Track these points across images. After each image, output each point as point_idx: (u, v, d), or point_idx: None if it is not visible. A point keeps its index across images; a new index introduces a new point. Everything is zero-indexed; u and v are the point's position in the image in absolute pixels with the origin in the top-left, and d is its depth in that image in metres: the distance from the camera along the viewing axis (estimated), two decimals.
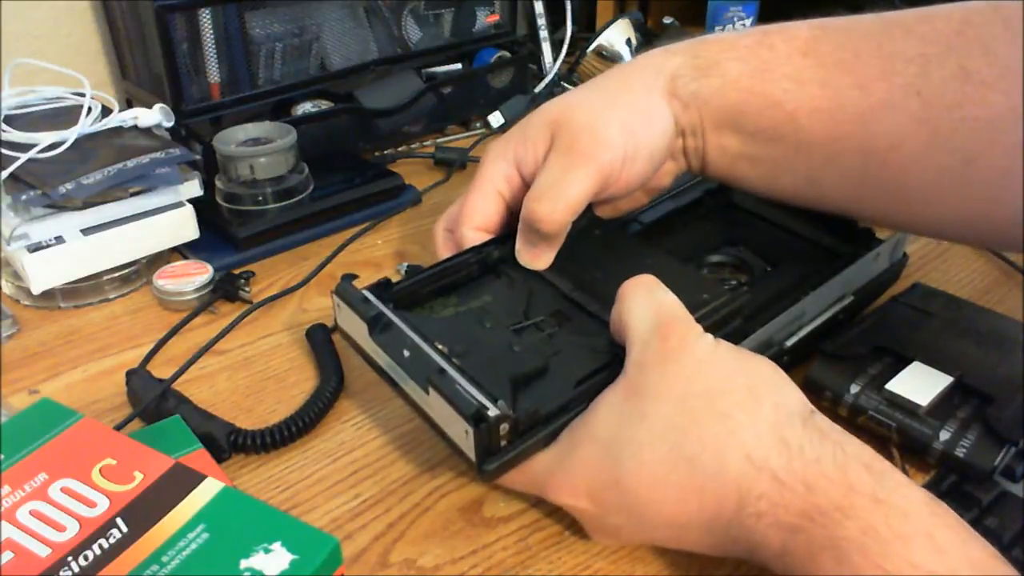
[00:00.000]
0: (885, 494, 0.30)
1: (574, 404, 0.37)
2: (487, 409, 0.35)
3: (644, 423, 0.34)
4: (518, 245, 0.46)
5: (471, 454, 0.35)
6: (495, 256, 0.47)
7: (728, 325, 0.42)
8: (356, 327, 0.42)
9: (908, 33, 0.40)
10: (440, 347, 0.39)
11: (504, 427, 0.35)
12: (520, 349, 0.40)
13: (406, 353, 0.39)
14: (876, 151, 0.40)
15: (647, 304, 0.37)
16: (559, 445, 0.37)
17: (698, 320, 0.40)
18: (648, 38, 0.97)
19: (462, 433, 0.35)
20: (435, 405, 0.37)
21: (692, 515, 0.33)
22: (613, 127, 0.43)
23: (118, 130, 0.64)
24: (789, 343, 0.46)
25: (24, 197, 0.55)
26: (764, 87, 0.42)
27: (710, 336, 0.36)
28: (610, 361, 0.39)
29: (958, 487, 0.40)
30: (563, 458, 0.36)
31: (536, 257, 0.45)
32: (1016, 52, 0.36)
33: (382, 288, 0.43)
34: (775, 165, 0.44)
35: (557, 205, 0.43)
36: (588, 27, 1.14)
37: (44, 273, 0.57)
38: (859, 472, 0.31)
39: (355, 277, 0.44)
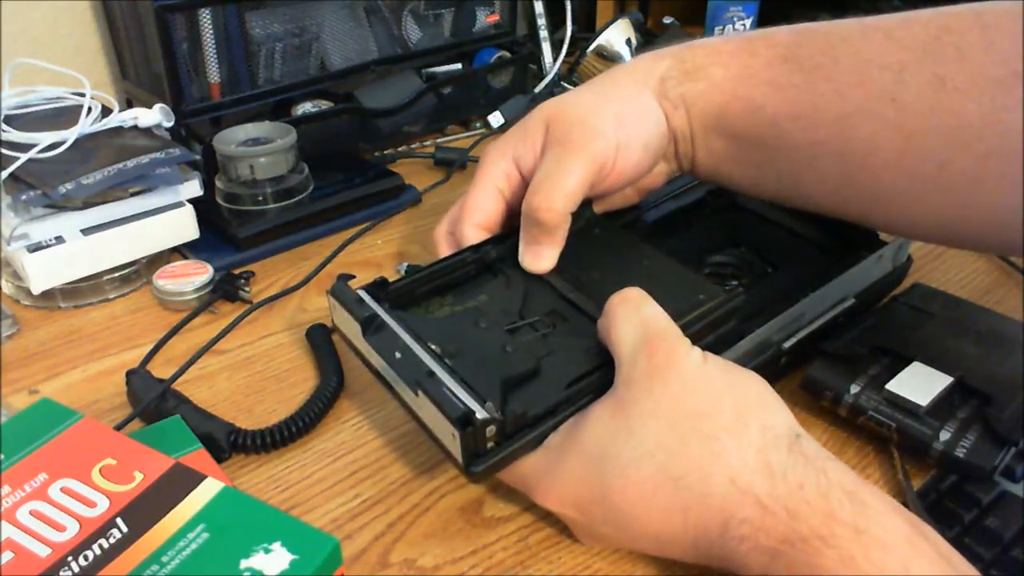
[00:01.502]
0: (866, 524, 0.30)
1: (564, 406, 0.38)
2: (474, 412, 0.35)
3: (631, 441, 0.34)
4: (521, 246, 0.46)
5: (458, 456, 0.36)
6: (492, 255, 0.47)
7: (723, 326, 0.42)
8: (351, 328, 0.42)
9: (887, 38, 0.40)
10: (433, 347, 0.40)
11: (491, 429, 0.35)
12: (513, 349, 0.40)
13: (397, 355, 0.39)
14: (853, 155, 0.41)
15: (634, 319, 0.37)
16: (548, 451, 0.37)
17: (692, 321, 0.40)
18: (648, 38, 0.97)
19: (449, 435, 0.35)
20: (424, 407, 0.37)
21: (677, 533, 0.34)
22: (605, 118, 0.44)
23: (118, 130, 0.64)
24: (787, 344, 0.46)
25: (24, 197, 0.55)
26: (746, 91, 0.43)
27: (698, 350, 0.36)
28: (602, 363, 0.39)
29: (958, 487, 0.40)
30: (551, 466, 0.37)
31: (539, 256, 0.45)
32: (991, 59, 0.37)
33: (378, 288, 0.43)
34: (758, 167, 0.45)
35: (554, 194, 0.43)
36: (588, 27, 1.14)
37: (44, 273, 0.57)
38: (841, 500, 0.31)
39: (351, 277, 0.44)
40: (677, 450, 0.34)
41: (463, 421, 0.34)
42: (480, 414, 0.35)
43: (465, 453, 0.35)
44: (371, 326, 0.41)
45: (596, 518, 0.36)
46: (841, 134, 0.41)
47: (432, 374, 0.37)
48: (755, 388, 0.36)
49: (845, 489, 0.31)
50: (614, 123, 0.44)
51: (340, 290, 0.43)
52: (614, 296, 0.39)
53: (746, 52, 0.44)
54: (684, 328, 0.38)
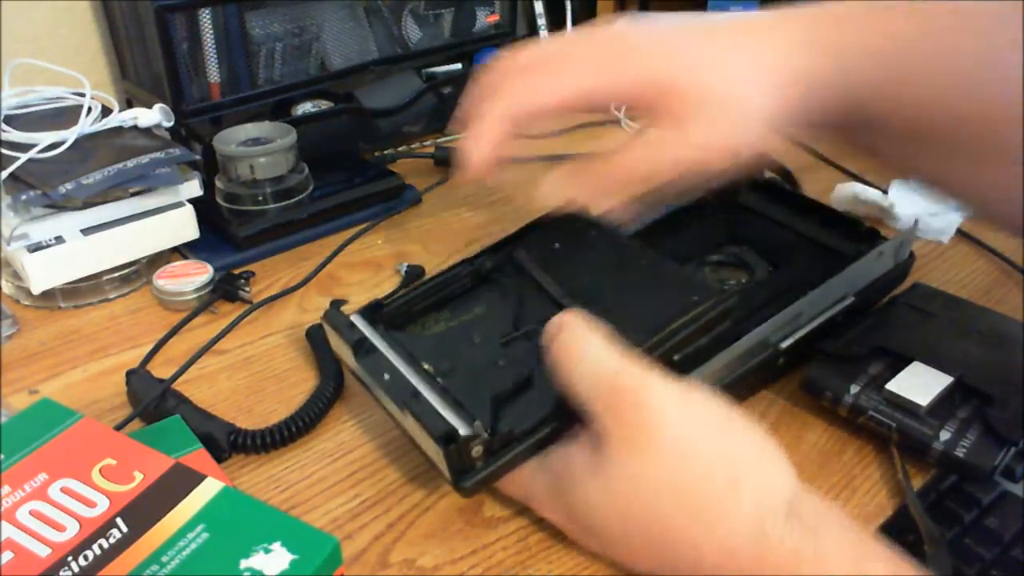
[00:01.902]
0: None
1: (555, 416, 0.38)
2: (456, 430, 0.35)
3: (615, 511, 0.34)
4: (560, 174, 0.42)
5: (446, 472, 0.36)
6: (488, 266, 0.47)
7: (718, 327, 0.42)
8: (344, 351, 0.43)
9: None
10: (426, 366, 0.40)
11: (477, 447, 0.35)
12: (505, 363, 0.41)
13: (386, 376, 0.40)
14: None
15: (582, 370, 0.36)
16: (546, 466, 0.37)
17: (685, 324, 0.40)
18: None
19: (436, 453, 0.36)
20: (412, 426, 0.38)
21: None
22: (733, 121, 0.40)
23: (118, 130, 0.64)
24: (785, 344, 0.46)
25: (24, 197, 0.55)
26: (878, 79, 0.39)
27: (672, 393, 0.34)
28: None
29: (958, 487, 0.40)
30: (548, 484, 0.37)
31: (560, 186, 0.42)
32: None
33: (372, 311, 0.44)
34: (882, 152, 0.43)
35: (648, 178, 0.40)
36: None
37: (44, 273, 0.56)
38: (840, 563, 0.31)
39: (343, 303, 0.45)
40: (664, 523, 0.33)
41: (446, 439, 0.35)
42: (463, 431, 0.35)
43: (451, 470, 0.36)
44: (361, 349, 0.42)
45: (592, 542, 0.37)
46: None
47: (418, 394, 0.38)
48: (750, 450, 0.34)
49: (844, 552, 0.31)
50: (740, 129, 0.40)
51: (332, 315, 0.44)
52: (548, 336, 0.37)
53: (877, 34, 0.39)
54: (676, 332, 0.38)
